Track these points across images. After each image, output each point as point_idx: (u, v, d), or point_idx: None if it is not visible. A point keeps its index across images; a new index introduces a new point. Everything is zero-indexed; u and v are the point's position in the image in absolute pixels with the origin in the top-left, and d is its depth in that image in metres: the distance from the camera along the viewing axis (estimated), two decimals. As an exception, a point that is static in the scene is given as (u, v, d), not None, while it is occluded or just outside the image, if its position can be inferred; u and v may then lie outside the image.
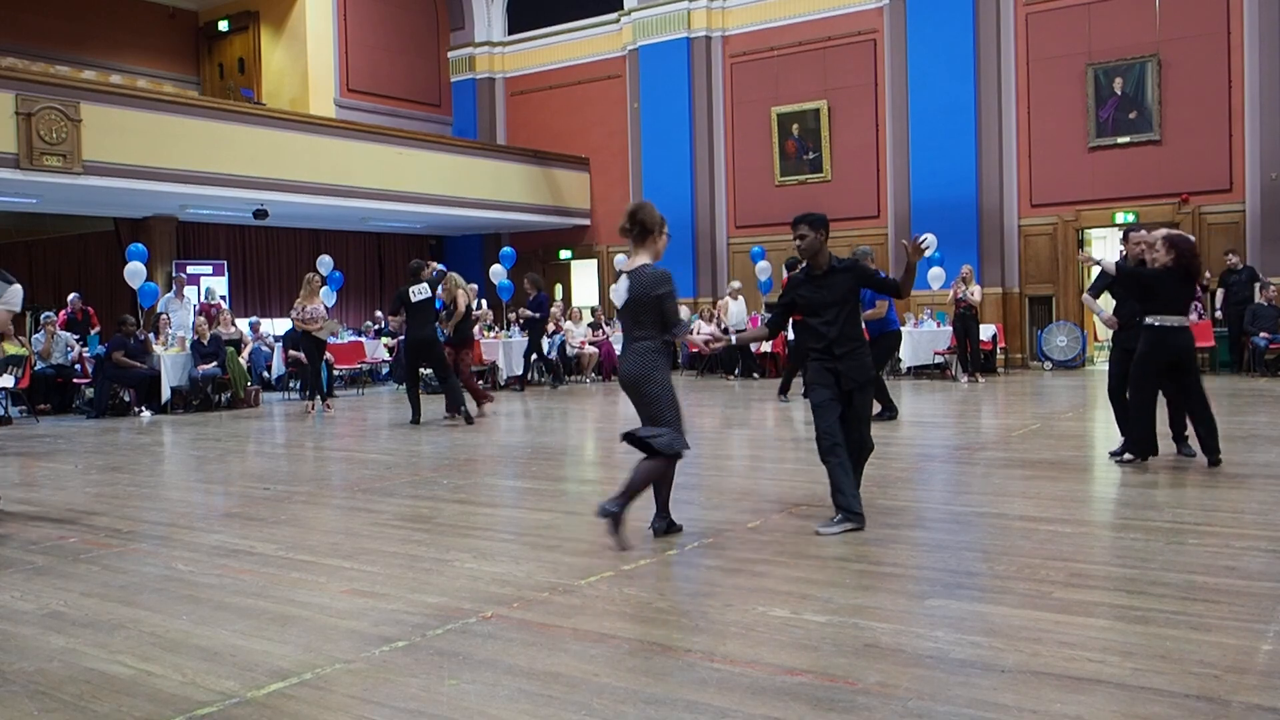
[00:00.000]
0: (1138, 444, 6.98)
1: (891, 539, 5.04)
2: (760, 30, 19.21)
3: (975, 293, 14.53)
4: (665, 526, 5.19)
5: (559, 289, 21.81)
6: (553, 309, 18.16)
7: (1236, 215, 15.54)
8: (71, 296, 15.69)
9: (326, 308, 13.18)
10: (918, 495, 6.37)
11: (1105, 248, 18.14)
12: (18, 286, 6.24)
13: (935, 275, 16.33)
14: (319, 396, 12.86)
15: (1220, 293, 14.97)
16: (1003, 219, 17.11)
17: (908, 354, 15.80)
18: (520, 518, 5.78)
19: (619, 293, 5.01)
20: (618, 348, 17.46)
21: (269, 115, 17.07)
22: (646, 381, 4.89)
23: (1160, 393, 6.96)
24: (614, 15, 20.87)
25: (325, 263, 17.46)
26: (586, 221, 21.74)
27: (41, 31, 19.15)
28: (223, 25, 21.43)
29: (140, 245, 14.91)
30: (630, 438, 4.89)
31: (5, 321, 6.30)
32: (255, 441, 10.39)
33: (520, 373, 16.00)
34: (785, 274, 12.37)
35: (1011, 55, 16.99)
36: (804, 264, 5.48)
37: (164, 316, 14.20)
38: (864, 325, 10.07)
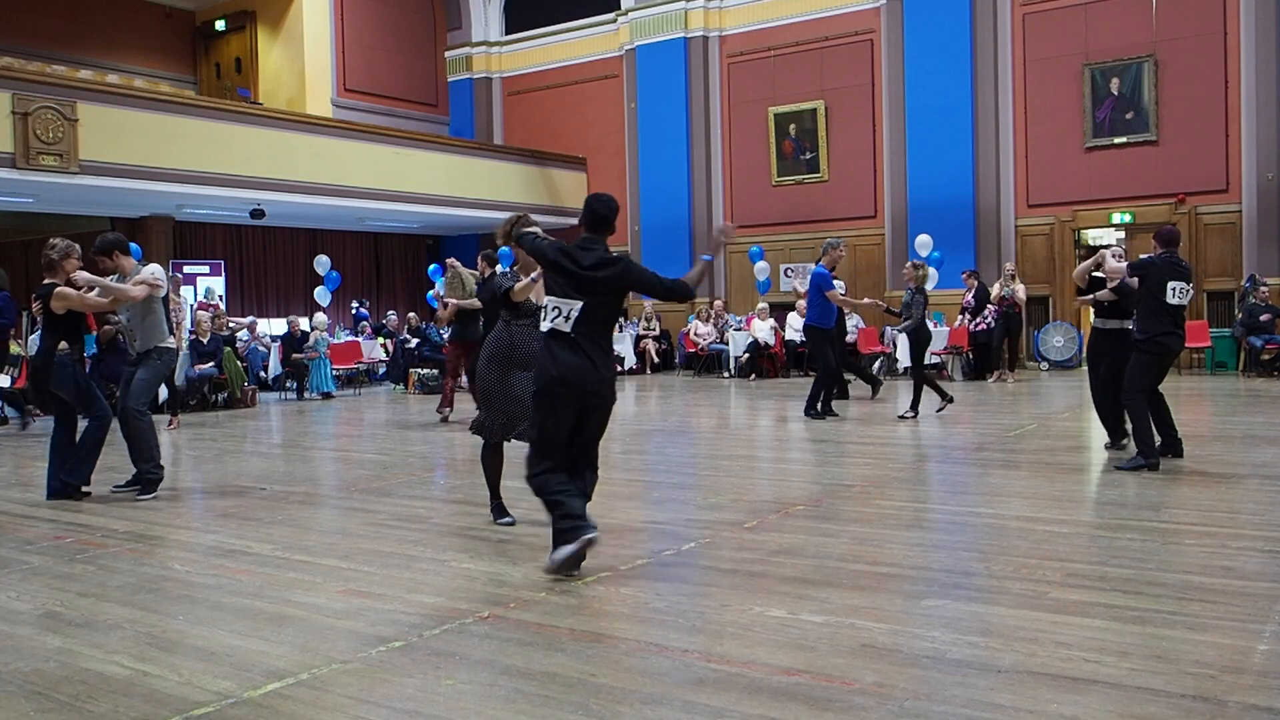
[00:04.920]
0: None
1: (888, 539, 5.04)
2: (757, 30, 19.22)
3: (1020, 291, 14.69)
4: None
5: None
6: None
7: (1233, 216, 15.56)
8: None
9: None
10: (914, 495, 6.38)
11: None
12: None
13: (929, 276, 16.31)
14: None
15: None
16: (999, 219, 17.12)
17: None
18: (516, 518, 5.77)
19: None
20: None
21: (266, 115, 17.05)
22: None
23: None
24: (611, 15, 20.87)
25: (322, 262, 17.43)
26: (584, 221, 21.72)
27: (38, 31, 19.11)
28: (220, 25, 21.38)
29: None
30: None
31: None
32: (251, 441, 10.38)
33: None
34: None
35: (1008, 55, 17.00)
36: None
37: None
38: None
